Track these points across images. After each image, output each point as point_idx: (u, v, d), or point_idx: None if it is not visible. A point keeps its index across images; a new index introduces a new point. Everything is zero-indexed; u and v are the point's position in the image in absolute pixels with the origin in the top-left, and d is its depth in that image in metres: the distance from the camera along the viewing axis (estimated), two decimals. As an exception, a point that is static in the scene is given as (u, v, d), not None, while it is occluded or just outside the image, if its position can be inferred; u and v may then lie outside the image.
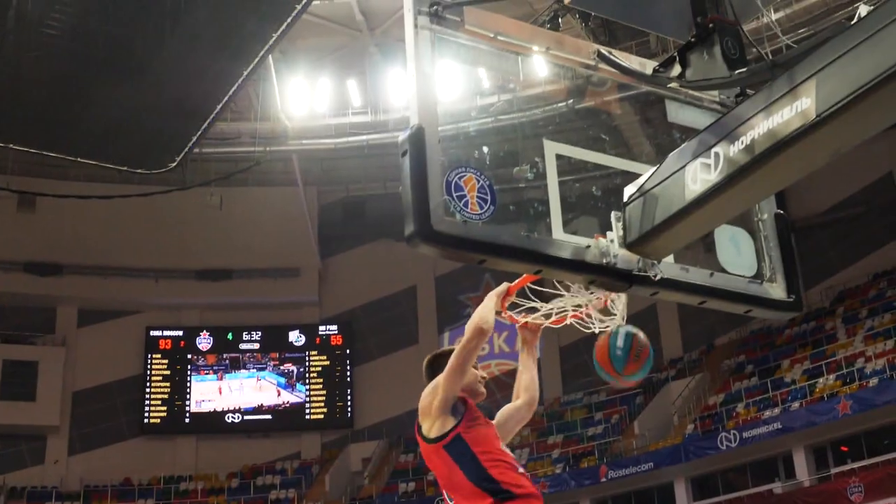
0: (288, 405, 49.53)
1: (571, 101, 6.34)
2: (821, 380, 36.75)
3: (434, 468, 5.66)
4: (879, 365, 35.39)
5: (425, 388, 5.70)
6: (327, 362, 50.03)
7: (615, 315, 5.87)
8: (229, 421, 48.96)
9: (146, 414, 48.66)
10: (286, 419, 49.24)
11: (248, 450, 48.28)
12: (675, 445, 38.12)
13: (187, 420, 48.98)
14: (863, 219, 43.50)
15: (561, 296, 5.88)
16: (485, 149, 5.32)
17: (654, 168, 5.22)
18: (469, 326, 5.46)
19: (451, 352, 5.60)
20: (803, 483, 35.25)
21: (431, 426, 5.58)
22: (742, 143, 4.68)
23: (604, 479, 38.81)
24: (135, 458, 47.23)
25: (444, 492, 5.71)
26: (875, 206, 43.20)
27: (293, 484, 46.60)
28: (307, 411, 49.57)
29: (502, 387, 43.15)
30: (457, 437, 5.57)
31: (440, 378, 5.52)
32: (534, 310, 6.02)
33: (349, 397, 49.72)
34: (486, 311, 5.53)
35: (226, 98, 21.94)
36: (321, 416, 49.60)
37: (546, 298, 6.05)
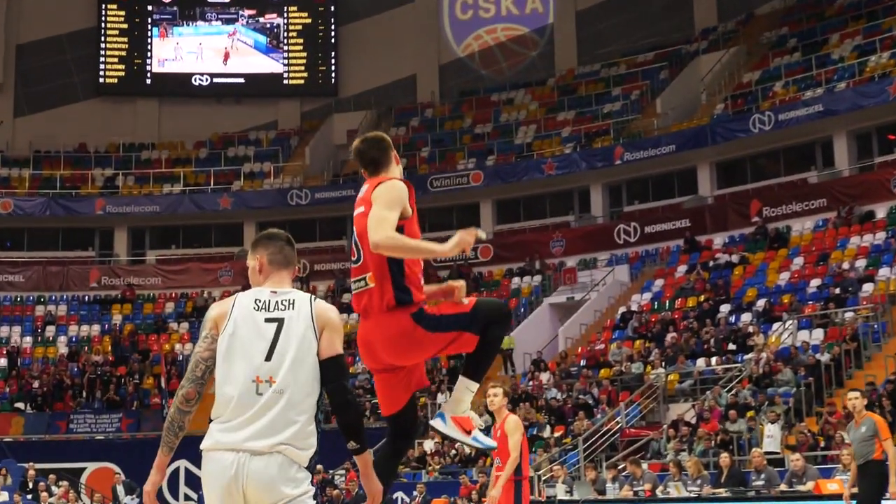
0: (264, 68, 49.20)
1: None
2: (873, 58, 36.31)
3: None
4: (943, 42, 34.89)
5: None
6: (309, 20, 49.29)
7: None
8: (196, 84, 48.79)
9: (101, 72, 48.42)
10: (261, 84, 49.06)
11: (217, 117, 48.44)
12: (701, 126, 38.21)
13: (148, 81, 48.81)
14: None
15: None
16: None
17: None
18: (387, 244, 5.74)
19: (387, 145, 6.16)
20: (842, 172, 35.59)
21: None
22: None
23: (618, 162, 39.21)
24: (90, 121, 47.42)
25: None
26: None
27: (269, 156, 47.10)
28: (285, 76, 49.33)
29: (509, 55, 42.94)
30: None
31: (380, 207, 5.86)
32: None
33: (333, 61, 49.35)
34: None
35: None
36: (301, 82, 49.43)
37: None
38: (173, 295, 43.06)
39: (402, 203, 5.87)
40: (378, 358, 6.02)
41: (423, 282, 6.06)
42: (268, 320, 5.00)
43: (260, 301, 5.05)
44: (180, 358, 39.05)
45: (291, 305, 5.03)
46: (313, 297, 5.13)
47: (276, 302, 5.04)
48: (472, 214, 42.67)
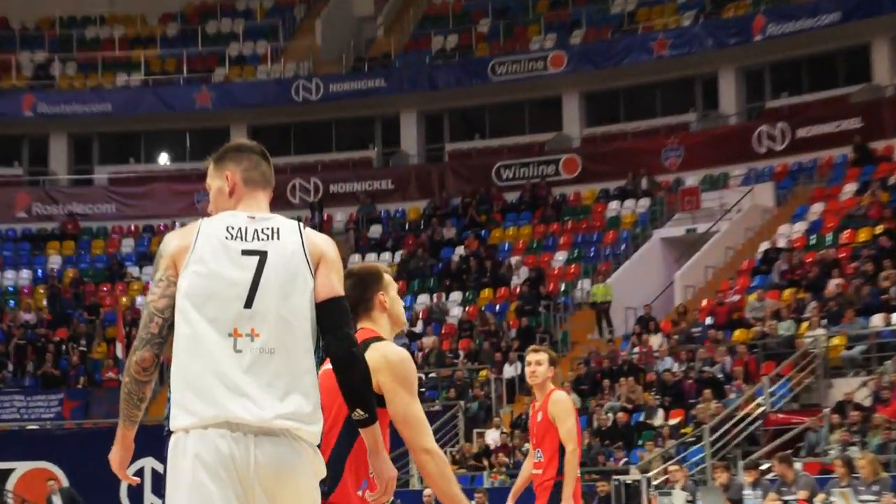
0: None
1: None
2: None
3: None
4: None
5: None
6: None
7: None
8: (162, -68, 48.72)
9: (29, -84, 48.41)
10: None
11: (192, -22, 48.46)
12: (879, -15, 37.80)
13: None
14: None
15: None
16: None
17: None
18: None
19: (370, 282, 6.39)
20: None
21: None
22: None
23: (759, 37, 38.87)
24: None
25: None
26: None
27: (264, 33, 47.17)
28: (286, -81, 49.19)
29: None
30: None
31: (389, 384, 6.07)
32: None
33: None
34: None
35: None
36: (309, -72, 49.26)
37: None
38: (132, 228, 43.30)
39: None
40: None
41: (361, 489, 6.05)
42: (245, 253, 5.14)
43: (233, 228, 5.19)
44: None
45: (276, 234, 5.20)
46: (301, 223, 5.32)
47: (256, 230, 5.20)
48: (552, 113, 42.49)
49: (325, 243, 5.27)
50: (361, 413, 5.18)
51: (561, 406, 11.10)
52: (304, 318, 5.13)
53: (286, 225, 5.23)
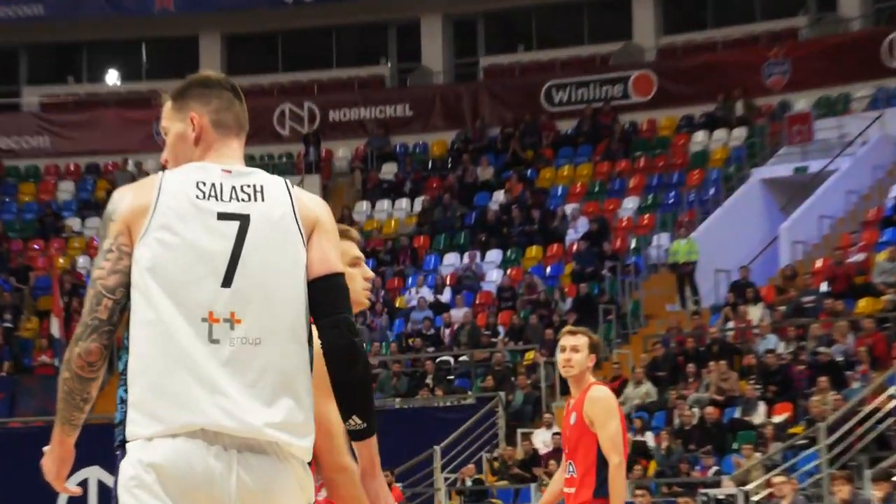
0: None
1: None
2: None
3: None
4: None
5: None
6: None
7: None
8: None
9: None
10: None
11: None
12: None
13: None
14: None
15: None
16: None
17: None
18: None
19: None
20: None
21: None
22: None
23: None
24: None
25: None
26: None
27: (244, -86, 47.00)
28: None
29: None
30: None
31: None
32: None
33: None
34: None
35: None
36: None
37: None
38: (72, 168, 43.59)
39: None
40: None
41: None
42: (222, 217, 5.19)
43: (205, 184, 5.23)
44: (88, 282, 39.28)
45: (259, 193, 5.27)
46: (288, 182, 5.42)
47: (234, 187, 5.26)
48: (618, 16, 42.44)
49: (319, 206, 5.35)
50: (358, 422, 5.24)
51: (601, 405, 11.07)
52: (297, 301, 5.20)
53: (271, 182, 5.28)
